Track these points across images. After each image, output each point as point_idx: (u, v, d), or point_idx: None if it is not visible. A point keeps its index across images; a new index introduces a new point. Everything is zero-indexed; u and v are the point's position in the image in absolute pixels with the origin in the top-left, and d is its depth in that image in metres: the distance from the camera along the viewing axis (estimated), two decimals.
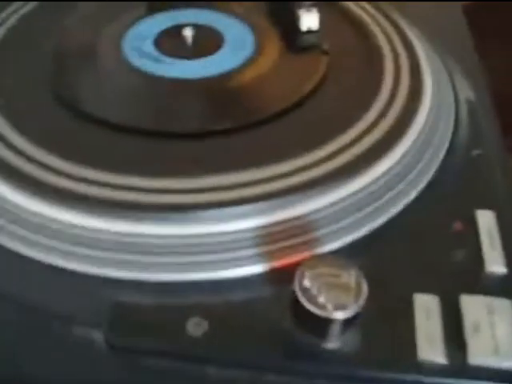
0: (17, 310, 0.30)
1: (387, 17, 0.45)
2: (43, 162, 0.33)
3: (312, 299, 0.26)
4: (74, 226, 0.31)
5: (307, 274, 0.27)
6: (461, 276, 0.30)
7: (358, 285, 0.26)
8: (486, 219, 0.33)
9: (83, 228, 0.31)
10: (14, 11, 0.46)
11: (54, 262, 0.31)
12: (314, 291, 0.26)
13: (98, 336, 0.28)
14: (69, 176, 0.32)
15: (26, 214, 0.32)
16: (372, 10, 0.45)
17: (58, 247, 0.31)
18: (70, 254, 0.31)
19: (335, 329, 0.26)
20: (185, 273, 0.30)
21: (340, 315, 0.26)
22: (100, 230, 0.30)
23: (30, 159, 0.33)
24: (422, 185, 0.34)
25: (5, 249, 0.32)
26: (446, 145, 0.37)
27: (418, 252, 0.32)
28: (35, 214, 0.31)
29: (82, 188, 0.31)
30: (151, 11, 0.46)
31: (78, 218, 0.31)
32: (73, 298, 0.30)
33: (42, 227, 0.31)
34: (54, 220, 0.31)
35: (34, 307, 0.30)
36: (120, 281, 0.30)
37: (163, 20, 0.45)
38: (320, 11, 0.42)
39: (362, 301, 0.26)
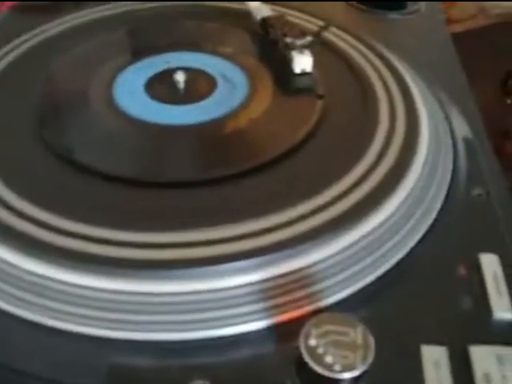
0: (5, 375, 0.28)
1: (379, 55, 0.44)
2: (33, 216, 0.32)
3: (318, 359, 0.25)
4: (67, 284, 0.30)
5: (313, 332, 0.26)
6: (468, 324, 0.30)
7: (366, 342, 0.25)
8: (489, 263, 0.32)
9: (76, 286, 0.30)
10: (3, 55, 0.46)
11: (44, 322, 0.30)
12: (321, 350, 0.25)
13: None
14: (58, 231, 0.31)
15: (13, 270, 0.31)
16: (365, 50, 0.45)
17: (50, 306, 0.30)
18: (62, 313, 0.30)
19: None
20: (184, 332, 0.29)
21: (348, 375, 0.25)
22: (94, 288, 0.29)
23: (17, 213, 0.32)
24: (423, 230, 0.34)
25: None
26: (446, 187, 0.36)
27: (423, 300, 0.31)
28: (22, 270, 0.30)
29: (74, 244, 0.30)
30: (143, 55, 0.46)
31: (70, 275, 0.30)
32: (67, 360, 0.29)
33: (32, 285, 0.30)
34: (45, 278, 0.30)
35: (23, 371, 0.28)
36: (117, 341, 0.29)
37: (153, 64, 0.45)
38: (312, 52, 0.42)
39: (369, 359, 0.25)
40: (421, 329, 0.29)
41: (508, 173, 0.40)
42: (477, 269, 0.32)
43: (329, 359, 0.25)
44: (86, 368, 0.28)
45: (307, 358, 0.25)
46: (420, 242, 0.33)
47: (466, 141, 0.41)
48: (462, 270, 0.32)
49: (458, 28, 0.79)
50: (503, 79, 0.83)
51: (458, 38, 0.55)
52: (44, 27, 0.48)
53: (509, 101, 0.84)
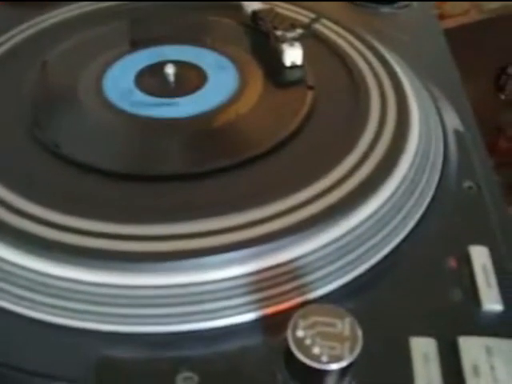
0: None
1: (371, 48, 0.44)
2: (26, 211, 0.32)
3: (306, 350, 0.25)
4: (55, 278, 0.30)
5: (300, 323, 0.25)
6: (457, 316, 0.30)
7: (353, 334, 0.25)
8: (479, 255, 0.32)
9: (64, 280, 0.29)
10: None
11: (34, 315, 0.30)
12: (308, 342, 0.25)
13: None
14: (46, 224, 0.31)
15: (4, 265, 0.30)
16: (356, 42, 0.44)
17: (39, 300, 0.30)
18: (50, 307, 0.29)
19: (331, 380, 0.25)
20: (172, 324, 0.29)
21: (335, 366, 0.25)
22: (82, 282, 0.29)
23: (7, 206, 0.32)
24: (413, 222, 0.34)
25: None
26: (436, 179, 0.36)
27: (412, 292, 0.31)
28: (11, 264, 0.30)
29: (64, 238, 0.30)
30: (133, 48, 0.45)
31: (58, 268, 0.30)
32: (56, 354, 0.29)
33: (19, 278, 0.30)
34: (33, 271, 0.30)
35: (12, 365, 0.28)
36: (105, 334, 0.29)
37: (144, 57, 0.44)
38: (303, 45, 0.42)
39: (357, 351, 0.25)
40: (410, 321, 0.29)
41: (502, 169, 0.40)
42: (466, 261, 0.32)
43: (316, 350, 0.25)
44: (75, 361, 0.28)
45: (294, 350, 0.25)
46: (410, 234, 0.33)
47: (457, 134, 0.40)
48: (451, 262, 0.32)
49: (451, 23, 0.79)
50: (497, 75, 0.83)
51: (451, 34, 0.55)
52: (32, 22, 0.48)
53: (502, 96, 0.85)
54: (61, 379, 0.28)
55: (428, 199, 0.35)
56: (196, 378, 0.27)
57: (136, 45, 0.45)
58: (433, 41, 0.52)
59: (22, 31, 0.47)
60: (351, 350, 0.25)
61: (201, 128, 0.38)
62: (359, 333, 0.25)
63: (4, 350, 0.29)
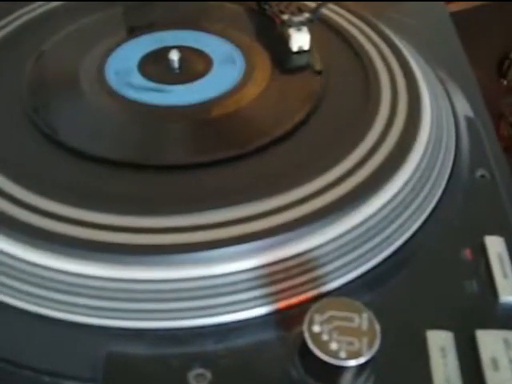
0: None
1: (379, 32, 0.43)
2: (26, 201, 0.31)
3: (323, 346, 0.24)
4: (62, 272, 0.29)
5: (317, 318, 0.25)
6: (474, 309, 0.29)
7: (372, 328, 0.25)
8: (495, 246, 0.31)
9: (72, 274, 0.29)
10: None
11: (39, 311, 0.29)
12: (325, 337, 0.24)
13: None
14: (49, 216, 0.30)
15: (7, 259, 0.30)
16: (364, 27, 0.43)
17: (45, 295, 0.29)
18: (58, 303, 0.29)
19: (348, 376, 0.25)
20: (184, 319, 0.28)
21: (354, 363, 0.24)
22: (90, 276, 0.28)
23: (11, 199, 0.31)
24: (426, 213, 0.33)
25: None
26: (449, 167, 0.35)
27: (428, 285, 0.30)
28: (15, 258, 0.29)
29: (69, 230, 0.29)
30: (136, 33, 0.44)
31: (64, 262, 0.29)
32: (63, 350, 0.28)
33: (24, 273, 0.29)
34: (38, 265, 0.29)
35: (18, 362, 0.28)
36: (114, 330, 0.28)
37: (147, 43, 0.43)
38: (309, 30, 0.41)
39: (376, 346, 0.24)
40: (426, 314, 0.29)
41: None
42: (482, 252, 0.31)
43: (334, 346, 0.24)
44: (83, 358, 0.27)
45: (311, 345, 0.24)
46: (423, 224, 0.33)
47: (468, 120, 0.40)
48: (466, 253, 0.31)
49: (453, 8, 0.78)
50: (499, 60, 0.82)
51: (453, 18, 0.54)
52: (29, 8, 0.47)
53: (505, 82, 0.84)
54: (68, 377, 0.27)
55: (441, 188, 0.34)
56: (208, 374, 0.26)
57: (139, 30, 0.44)
58: (440, 25, 0.51)
59: (19, 17, 0.46)
60: (370, 345, 0.24)
61: (206, 116, 0.37)
62: (377, 327, 0.25)
63: (9, 346, 0.28)
